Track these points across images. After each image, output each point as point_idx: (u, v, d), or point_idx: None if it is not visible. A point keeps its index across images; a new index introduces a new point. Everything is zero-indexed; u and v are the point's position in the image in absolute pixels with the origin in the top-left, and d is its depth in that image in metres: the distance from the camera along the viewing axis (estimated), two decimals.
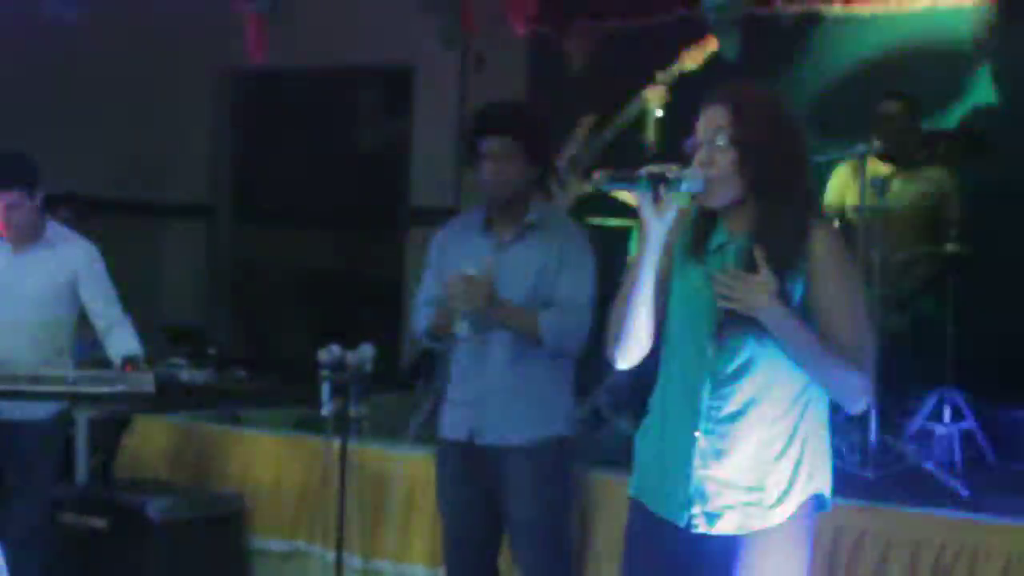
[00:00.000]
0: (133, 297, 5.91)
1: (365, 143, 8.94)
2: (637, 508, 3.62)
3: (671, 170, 3.40)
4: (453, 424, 4.88)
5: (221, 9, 7.61)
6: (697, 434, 3.46)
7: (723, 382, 3.44)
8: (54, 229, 5.69)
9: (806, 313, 3.39)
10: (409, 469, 5.74)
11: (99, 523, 5.85)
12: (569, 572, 4.98)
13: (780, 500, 3.46)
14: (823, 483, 3.52)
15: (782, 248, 3.38)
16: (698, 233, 3.51)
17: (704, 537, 3.49)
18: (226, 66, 9.06)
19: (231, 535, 6.00)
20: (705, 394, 3.45)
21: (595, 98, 6.70)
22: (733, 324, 3.38)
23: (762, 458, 3.45)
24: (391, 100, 8.58)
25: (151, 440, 6.50)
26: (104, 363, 5.70)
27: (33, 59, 8.22)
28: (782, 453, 3.45)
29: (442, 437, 4.91)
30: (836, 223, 6.16)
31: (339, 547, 5.39)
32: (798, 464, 3.46)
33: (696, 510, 3.49)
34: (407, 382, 6.74)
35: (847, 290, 3.42)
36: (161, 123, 8.95)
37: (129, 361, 5.47)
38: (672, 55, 6.13)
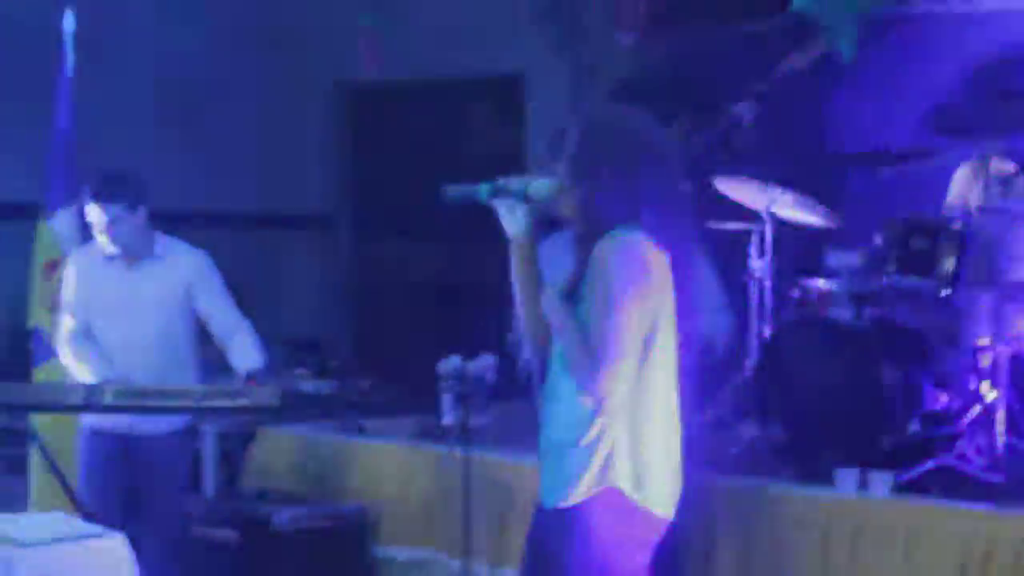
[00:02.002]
0: (255, 309, 5.97)
1: (478, 152, 8.97)
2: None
3: (516, 181, 3.79)
4: None
5: (338, 23, 7.69)
6: (544, 416, 3.89)
7: (552, 368, 3.87)
8: (164, 242, 5.77)
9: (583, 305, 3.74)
10: (533, 478, 5.74)
11: (228, 535, 5.93)
12: None
13: (570, 484, 3.77)
14: (619, 480, 3.77)
15: (576, 257, 3.80)
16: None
17: (540, 511, 3.91)
18: (343, 79, 9.14)
19: (357, 545, 6.03)
20: (547, 376, 3.89)
21: (692, 101, 6.68)
22: None
23: (562, 442, 3.80)
24: (503, 109, 8.60)
25: (276, 452, 6.58)
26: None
27: (158, 79, 8.34)
28: (576, 441, 3.76)
29: None
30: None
31: (466, 555, 5.41)
32: (591, 454, 3.75)
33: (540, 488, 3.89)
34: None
35: (597, 303, 3.70)
36: (281, 136, 9.04)
37: (252, 376, 5.54)
38: (775, 58, 6.10)
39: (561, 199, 3.82)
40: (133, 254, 5.69)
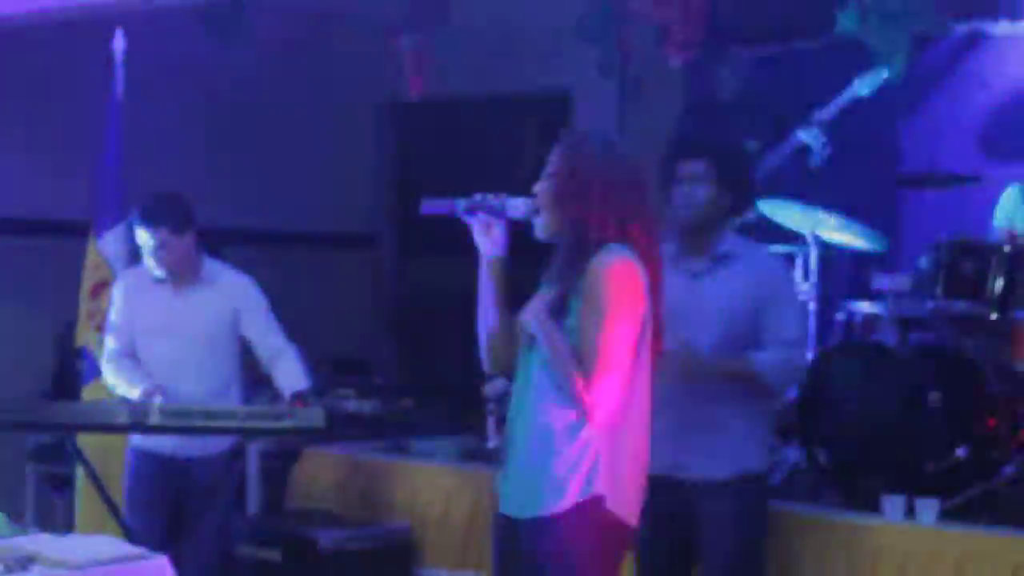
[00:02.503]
0: (301, 327, 5.98)
1: (525, 170, 8.93)
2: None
3: (493, 198, 3.91)
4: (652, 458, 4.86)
5: (383, 43, 7.71)
6: (511, 425, 3.96)
7: (523, 383, 3.94)
8: (211, 266, 5.80)
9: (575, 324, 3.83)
10: None
11: (272, 555, 5.94)
12: None
13: (553, 494, 3.83)
14: (603, 487, 3.85)
15: (561, 272, 3.88)
16: (549, 267, 3.97)
17: (513, 521, 3.93)
18: (388, 97, 9.17)
19: (401, 567, 6.04)
20: (516, 391, 3.97)
21: (750, 124, 6.66)
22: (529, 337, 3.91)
23: (543, 453, 3.85)
24: (550, 126, 8.60)
25: (320, 472, 6.59)
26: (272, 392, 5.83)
27: (208, 99, 8.38)
28: (559, 451, 3.83)
29: None
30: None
31: None
32: (576, 464, 3.82)
33: (505, 499, 3.96)
34: None
35: (594, 316, 3.80)
36: (328, 155, 9.07)
37: (298, 397, 5.55)
38: (830, 77, 6.07)
39: (539, 218, 3.91)
40: (180, 277, 5.72)
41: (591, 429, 3.85)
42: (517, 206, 3.93)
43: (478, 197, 3.92)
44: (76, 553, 4.07)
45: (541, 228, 3.94)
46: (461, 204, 3.94)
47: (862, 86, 5.90)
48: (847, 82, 6.04)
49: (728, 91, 7.46)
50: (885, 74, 5.80)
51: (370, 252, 9.63)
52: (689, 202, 4.72)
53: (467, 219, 3.96)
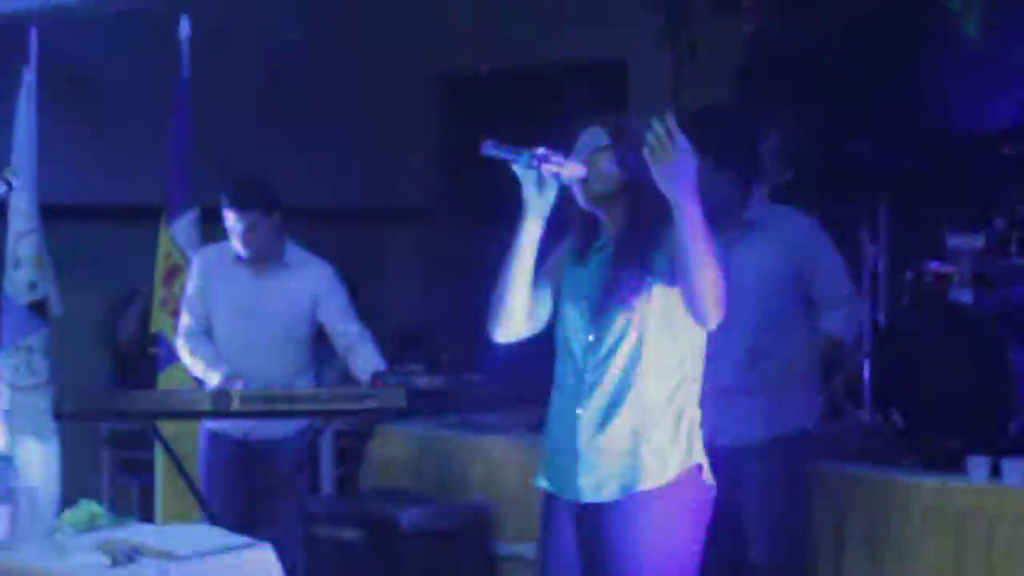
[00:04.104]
0: (359, 304, 5.99)
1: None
2: (544, 494, 4.01)
3: (557, 157, 3.79)
4: None
5: (433, 15, 7.69)
6: (579, 411, 3.84)
7: (600, 360, 3.82)
8: (293, 251, 5.81)
9: (671, 280, 3.74)
10: None
11: (352, 535, 5.94)
12: (805, 571, 4.93)
13: (657, 467, 3.79)
14: (699, 454, 3.86)
15: (647, 231, 3.82)
16: (582, 238, 3.95)
17: (595, 507, 3.84)
18: (441, 70, 9.15)
19: (481, 543, 6.05)
20: (586, 373, 3.84)
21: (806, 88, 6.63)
22: (607, 299, 3.81)
23: (639, 427, 3.80)
24: (605, 96, 8.56)
25: (394, 450, 6.59)
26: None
27: (259, 77, 8.39)
28: (657, 422, 3.80)
29: None
30: None
31: None
32: (675, 434, 3.81)
33: (583, 481, 3.84)
34: None
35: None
36: (379, 130, 9.06)
37: (378, 376, 5.56)
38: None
39: (592, 185, 3.84)
40: (266, 259, 5.74)
41: (684, 390, 3.84)
42: (577, 168, 3.84)
43: (542, 151, 3.82)
44: (180, 544, 4.10)
45: (585, 196, 3.88)
46: (525, 155, 3.82)
47: None
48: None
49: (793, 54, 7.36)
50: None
51: (427, 226, 9.62)
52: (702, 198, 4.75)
53: (525, 170, 3.84)
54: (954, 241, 5.90)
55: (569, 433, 3.89)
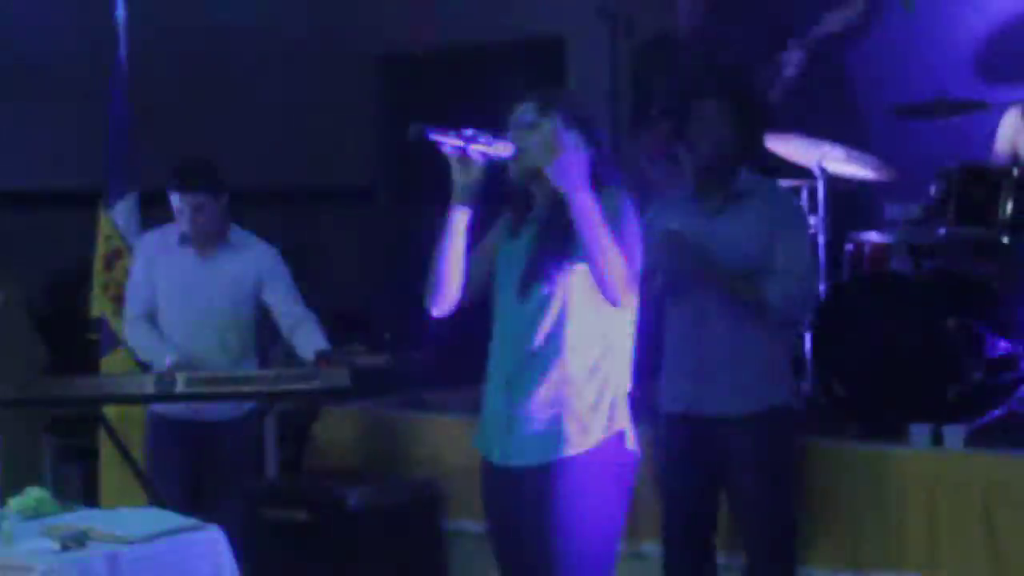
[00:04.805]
0: (299, 283, 5.97)
1: None
2: (483, 460, 4.14)
3: (484, 137, 3.88)
4: (672, 396, 4.89)
5: None
6: (506, 379, 3.99)
7: (525, 330, 3.94)
8: (237, 233, 5.79)
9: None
10: None
11: (300, 515, 5.92)
12: (792, 546, 4.97)
13: (578, 434, 3.91)
14: (624, 422, 3.98)
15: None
16: (517, 213, 4.07)
17: (519, 471, 3.96)
18: (379, 49, 9.12)
19: (429, 520, 6.05)
20: (514, 343, 3.98)
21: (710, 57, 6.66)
22: (532, 272, 3.93)
23: (562, 396, 3.92)
24: (543, 72, 8.56)
25: (339, 430, 6.57)
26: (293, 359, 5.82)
27: (202, 57, 8.34)
28: (580, 392, 3.92)
29: (663, 411, 4.92)
30: None
31: None
32: (597, 402, 3.94)
33: (509, 447, 3.99)
34: None
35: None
36: (320, 109, 9.03)
37: (322, 356, 5.56)
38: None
39: (522, 163, 3.92)
40: (211, 240, 5.71)
41: (609, 359, 3.95)
42: (505, 146, 3.92)
43: (470, 131, 3.90)
44: (130, 528, 4.09)
45: (516, 171, 3.97)
46: (451, 135, 3.89)
47: None
48: None
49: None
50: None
51: (363, 206, 9.60)
52: (706, 142, 4.76)
53: (450, 151, 3.92)
54: (892, 211, 5.95)
55: (497, 399, 4.05)
